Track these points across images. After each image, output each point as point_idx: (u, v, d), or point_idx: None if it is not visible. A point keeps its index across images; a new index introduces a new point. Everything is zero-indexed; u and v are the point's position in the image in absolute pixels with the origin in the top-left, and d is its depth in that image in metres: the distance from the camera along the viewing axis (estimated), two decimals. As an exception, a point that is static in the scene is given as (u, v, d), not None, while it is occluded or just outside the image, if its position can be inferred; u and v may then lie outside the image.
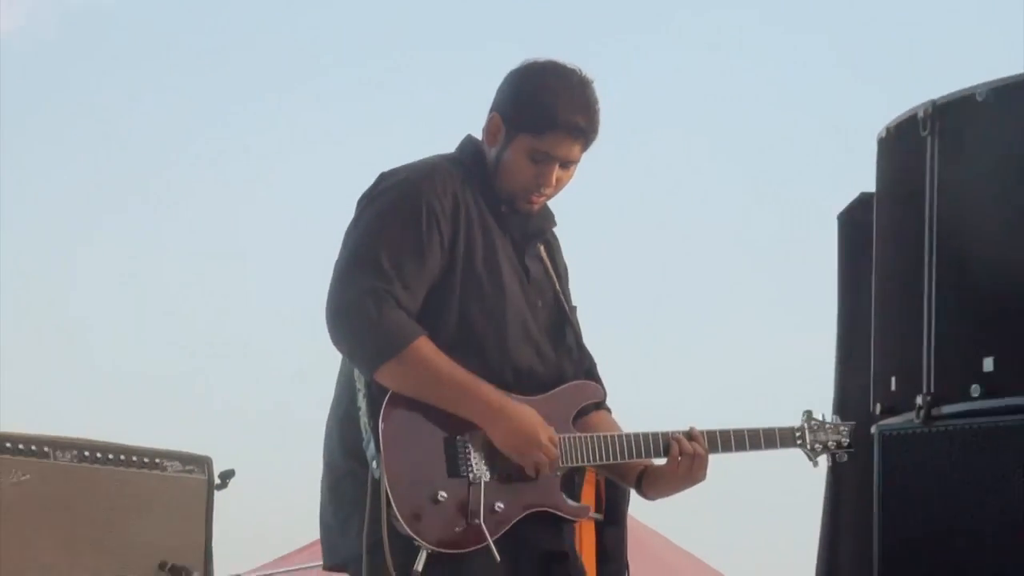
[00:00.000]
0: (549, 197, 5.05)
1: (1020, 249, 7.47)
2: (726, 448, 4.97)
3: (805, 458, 5.19)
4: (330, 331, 4.75)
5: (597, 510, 5.28)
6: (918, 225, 7.76)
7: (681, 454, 4.92)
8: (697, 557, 13.58)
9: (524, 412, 4.75)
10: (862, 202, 8.39)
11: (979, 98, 7.57)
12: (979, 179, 7.64)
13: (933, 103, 7.71)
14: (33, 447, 7.45)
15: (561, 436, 4.87)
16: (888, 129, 8.01)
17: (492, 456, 4.75)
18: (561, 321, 5.08)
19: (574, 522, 5.08)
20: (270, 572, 10.48)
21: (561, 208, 5.28)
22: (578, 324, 5.20)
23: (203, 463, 7.78)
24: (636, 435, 4.96)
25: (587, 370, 5.09)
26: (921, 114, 7.74)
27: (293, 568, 10.63)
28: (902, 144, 7.94)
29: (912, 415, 7.52)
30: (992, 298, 7.51)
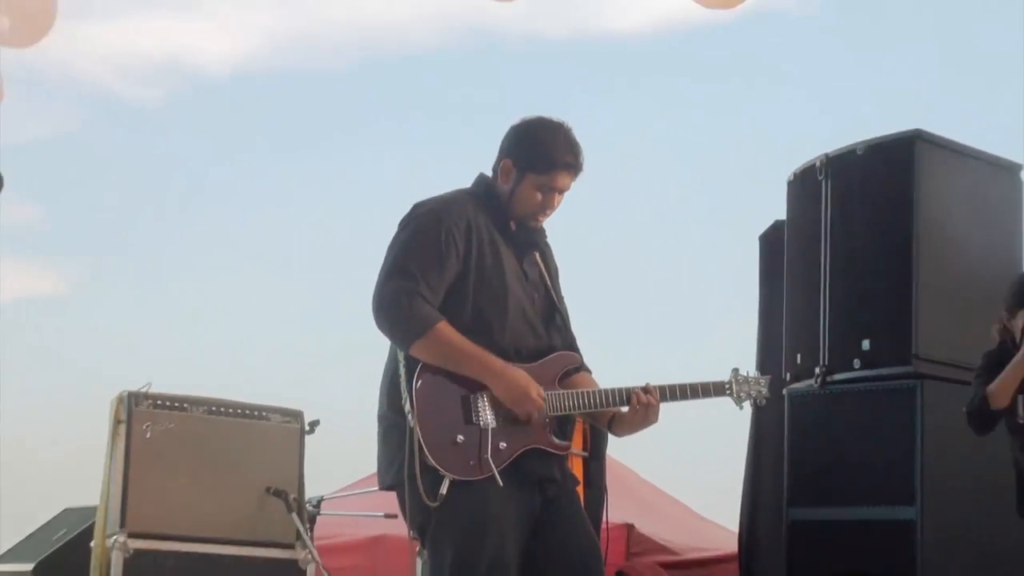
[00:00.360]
0: (548, 216, 5.21)
1: (884, 263, 7.88)
2: (673, 397, 5.12)
3: (734, 404, 5.24)
4: (375, 319, 4.97)
5: (584, 449, 5.32)
6: (816, 245, 8.24)
7: (639, 403, 5.06)
8: (658, 487, 13.30)
9: (519, 374, 4.95)
10: (776, 228, 8.85)
11: (859, 152, 8.08)
12: (857, 211, 8.05)
13: (827, 155, 8.23)
14: (176, 404, 7.53)
15: (548, 392, 5.01)
16: (796, 174, 8.54)
17: (496, 408, 4.93)
18: (551, 309, 5.26)
19: (564, 456, 5.18)
20: (343, 494, 10.36)
21: (553, 224, 5.41)
22: (566, 311, 5.35)
23: (297, 416, 7.84)
24: (606, 390, 5.14)
25: (569, 344, 5.23)
26: (818, 163, 8.27)
27: (358, 492, 10.50)
28: (805, 185, 8.45)
29: (812, 381, 8.03)
30: (868, 298, 7.94)
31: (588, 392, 5.25)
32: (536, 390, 5.06)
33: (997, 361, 6.29)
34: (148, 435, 7.44)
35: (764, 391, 5.42)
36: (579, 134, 5.33)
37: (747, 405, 5.48)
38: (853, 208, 7.98)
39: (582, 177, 5.43)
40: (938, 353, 7.33)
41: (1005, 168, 8.10)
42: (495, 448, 4.98)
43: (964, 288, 7.22)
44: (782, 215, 8.67)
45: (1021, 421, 6.26)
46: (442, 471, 4.88)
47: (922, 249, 7.58)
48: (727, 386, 5.31)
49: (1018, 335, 6.26)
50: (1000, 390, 6.21)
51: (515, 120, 5.45)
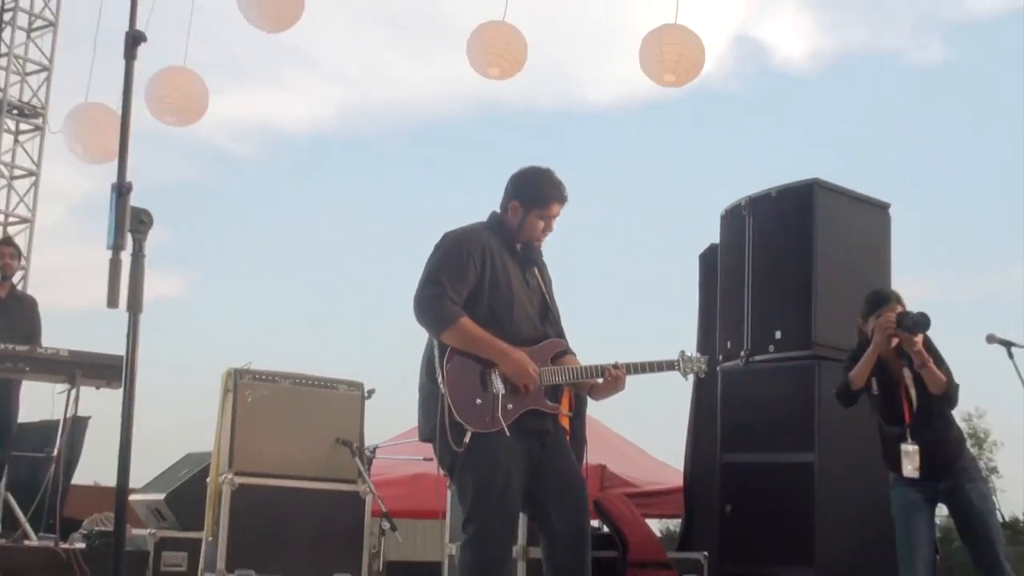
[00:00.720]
0: (547, 236, 5.40)
1: (791, 276, 7.91)
2: (636, 372, 5.27)
3: (681, 377, 5.37)
4: (415, 316, 5.17)
5: (569, 410, 5.39)
6: (741, 262, 8.28)
7: (610, 376, 5.21)
8: (624, 438, 13.38)
9: (521, 355, 5.11)
10: (712, 249, 9.01)
11: (772, 194, 8.17)
12: (771, 238, 8.10)
13: (749, 197, 8.27)
14: (269, 377, 7.57)
15: (542, 368, 5.14)
16: (727, 210, 8.57)
17: (504, 380, 5.04)
18: (546, 309, 5.40)
19: (555, 414, 5.28)
20: (392, 443, 10.45)
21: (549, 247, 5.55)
22: (556, 310, 5.48)
23: (359, 386, 7.87)
24: (586, 366, 5.27)
25: (559, 333, 5.35)
26: (743, 203, 8.33)
27: (403, 441, 10.57)
28: (733, 218, 8.48)
29: (739, 361, 8.10)
30: (779, 301, 7.97)
31: (572, 368, 5.40)
32: (533, 367, 5.22)
33: (855, 355, 6.37)
34: (249, 400, 7.48)
35: (704, 366, 5.55)
36: (566, 179, 5.53)
37: (691, 377, 5.63)
38: (768, 235, 8.02)
39: (570, 210, 5.63)
40: (830, 341, 7.37)
41: (878, 206, 8.19)
42: (504, 409, 5.14)
43: (848, 295, 7.12)
44: (716, 240, 8.70)
45: (875, 393, 6.35)
46: (465, 425, 5.05)
47: (818, 266, 7.63)
48: (676, 363, 5.45)
49: (869, 335, 6.34)
50: (858, 375, 6.27)
51: (514, 170, 5.64)
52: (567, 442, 5.48)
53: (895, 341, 6.21)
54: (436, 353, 5.20)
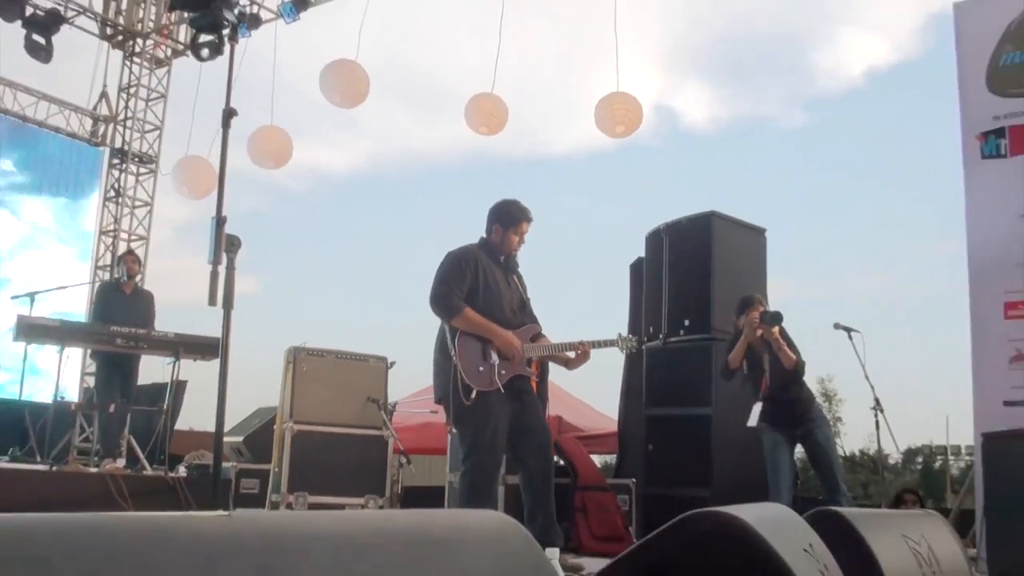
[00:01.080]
0: (520, 248, 5.53)
1: (696, 281, 7.95)
2: (593, 347, 5.38)
3: (619, 352, 5.51)
4: (431, 307, 5.24)
5: (536, 375, 5.55)
6: (660, 271, 8.30)
7: (581, 351, 5.36)
8: (575, 396, 13.43)
9: (510, 335, 5.21)
10: (639, 260, 8.97)
11: (683, 222, 8.23)
12: (682, 254, 8.14)
13: (666, 223, 8.31)
14: (319, 353, 7.71)
15: (524, 345, 5.30)
16: (650, 232, 8.56)
17: (499, 352, 5.18)
18: (523, 304, 5.48)
19: (532, 378, 5.44)
20: (408, 400, 10.52)
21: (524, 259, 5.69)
22: (530, 305, 5.59)
23: (384, 359, 7.95)
24: (557, 343, 5.40)
25: (534, 321, 5.47)
26: (662, 227, 8.36)
27: (415, 399, 10.67)
28: (655, 239, 8.48)
29: (659, 342, 8.08)
30: (688, 299, 8.00)
31: (547, 344, 5.47)
32: (518, 343, 5.35)
33: (732, 343, 6.62)
34: (305, 369, 7.66)
35: (634, 344, 5.67)
36: (534, 211, 5.64)
37: (625, 352, 5.79)
38: (679, 251, 8.07)
39: (538, 231, 5.78)
40: (723, 327, 7.42)
41: (757, 230, 8.25)
42: (500, 374, 5.25)
43: (735, 294, 7.09)
44: (643, 254, 8.69)
45: (745, 372, 6.58)
46: (472, 386, 5.20)
47: (715, 274, 7.73)
48: (616, 341, 5.60)
49: (742, 328, 6.56)
50: (734, 358, 6.55)
51: (492, 203, 5.77)
52: (538, 402, 5.56)
53: (759, 332, 6.46)
54: (448, 336, 5.23)
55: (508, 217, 5.52)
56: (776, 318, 6.40)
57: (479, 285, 5.36)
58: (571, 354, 5.48)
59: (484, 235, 5.58)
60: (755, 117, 72.80)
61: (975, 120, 6.10)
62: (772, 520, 1.86)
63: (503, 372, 5.24)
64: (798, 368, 6.46)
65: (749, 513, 1.73)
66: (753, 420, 6.40)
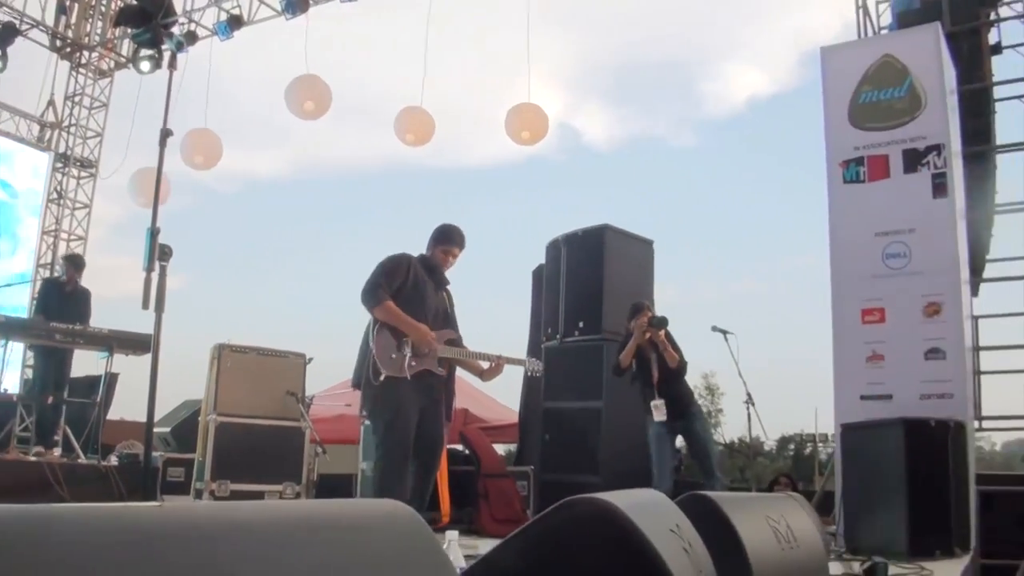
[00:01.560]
0: (452, 265, 5.52)
1: (590, 287, 8.09)
2: (505, 363, 5.39)
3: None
4: (361, 297, 5.19)
5: (447, 374, 5.55)
6: (558, 277, 8.41)
7: (496, 365, 5.37)
8: (482, 391, 13.42)
9: (424, 329, 5.18)
10: (540, 267, 9.07)
11: (579, 233, 8.35)
12: (577, 263, 8.24)
13: (564, 234, 8.42)
14: (242, 349, 7.57)
15: (439, 345, 5.30)
16: (550, 242, 8.67)
17: (413, 346, 5.17)
18: (447, 315, 5.46)
19: (443, 380, 5.41)
20: (323, 394, 10.48)
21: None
22: (455, 316, 5.56)
23: (302, 356, 7.84)
24: (476, 352, 5.39)
25: (454, 330, 5.46)
26: (560, 238, 8.49)
27: (335, 392, 10.63)
28: (554, 248, 8.60)
29: (556, 342, 8.23)
30: (582, 304, 8.12)
31: (461, 351, 5.37)
32: (433, 337, 5.33)
33: (623, 344, 6.79)
34: (228, 365, 7.54)
35: (538, 368, 5.74)
36: (454, 217, 5.72)
37: (531, 372, 5.83)
38: (575, 260, 8.19)
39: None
40: (613, 329, 7.56)
41: (645, 242, 8.42)
42: (410, 364, 5.18)
43: (625, 299, 7.30)
44: (543, 261, 8.78)
45: (634, 370, 6.76)
46: (382, 369, 5.12)
47: (606, 280, 7.88)
48: (524, 362, 5.65)
49: (631, 331, 6.74)
50: (624, 358, 6.73)
51: (435, 223, 5.72)
52: (443, 411, 5.44)
53: (647, 335, 6.64)
54: (371, 324, 5.23)
55: (442, 237, 5.54)
56: (662, 322, 6.59)
57: (408, 287, 5.33)
58: (485, 365, 5.48)
59: (424, 252, 5.59)
60: (648, 137, 74.31)
61: (838, 149, 6.31)
62: (643, 504, 1.94)
63: (413, 364, 5.19)
64: (680, 367, 6.66)
65: (622, 498, 1.82)
66: (661, 415, 6.57)
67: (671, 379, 6.68)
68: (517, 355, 5.73)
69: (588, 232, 8.23)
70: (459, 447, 8.37)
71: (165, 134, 4.52)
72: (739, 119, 70.96)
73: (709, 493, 2.80)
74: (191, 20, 12.13)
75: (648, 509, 1.88)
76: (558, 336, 8.17)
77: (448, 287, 5.65)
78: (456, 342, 5.49)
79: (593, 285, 8.00)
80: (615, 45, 71.06)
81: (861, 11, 9.55)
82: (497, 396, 13.67)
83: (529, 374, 5.79)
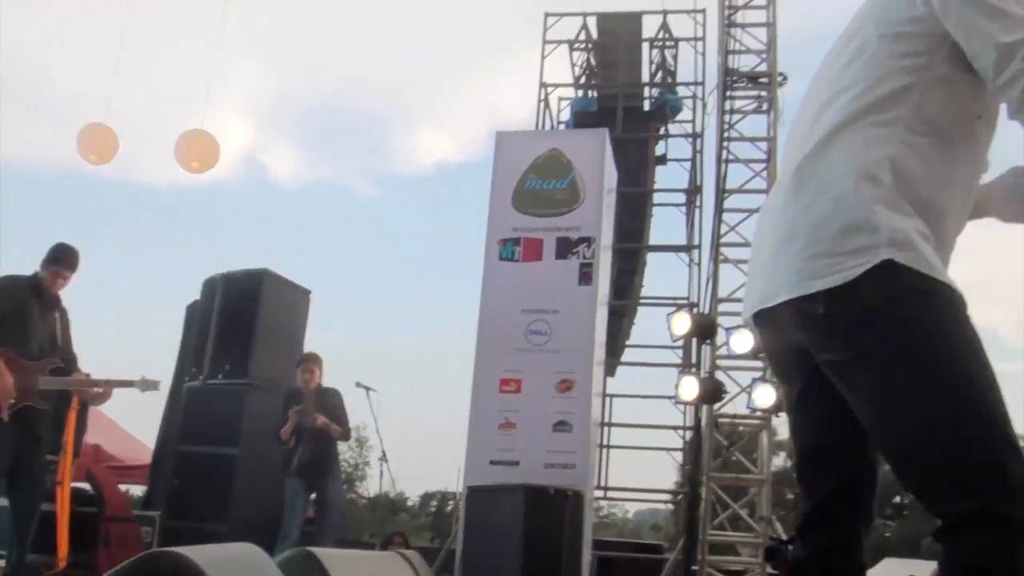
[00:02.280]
0: (62, 287, 5.10)
1: (239, 332, 7.86)
2: (116, 386, 5.04)
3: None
4: None
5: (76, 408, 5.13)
6: (209, 316, 8.09)
7: (101, 388, 5.02)
8: (120, 426, 12.71)
9: (5, 380, 4.72)
10: (195, 303, 8.42)
11: (239, 275, 8.15)
12: (233, 304, 7.99)
13: (222, 274, 8.18)
14: None
15: (41, 378, 4.85)
16: (206, 280, 8.35)
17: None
18: (54, 340, 4.99)
19: (42, 411, 4.96)
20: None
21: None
22: (68, 339, 5.16)
23: None
24: (79, 380, 5.00)
25: (64, 356, 5.01)
26: (218, 276, 8.27)
27: None
28: (210, 286, 8.27)
29: (199, 383, 7.93)
30: (231, 348, 7.84)
31: (65, 380, 5.05)
32: (9, 383, 4.76)
33: (288, 401, 6.74)
34: None
35: (156, 386, 5.38)
36: (121, 233, 5.32)
37: (150, 394, 5.49)
38: (230, 301, 7.96)
39: (116, 252, 5.44)
40: (261, 374, 7.56)
41: (302, 290, 8.42)
42: (9, 405, 4.83)
43: (275, 346, 7.43)
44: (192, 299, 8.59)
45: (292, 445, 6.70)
46: None
47: (259, 325, 7.76)
48: (135, 383, 5.29)
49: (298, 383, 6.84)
50: (284, 434, 6.63)
51: (84, 218, 5.38)
52: (45, 447, 5.15)
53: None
54: None
55: (53, 260, 5.20)
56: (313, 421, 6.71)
57: (11, 317, 4.97)
58: (96, 390, 5.20)
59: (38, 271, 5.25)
60: (337, 183, 75.74)
61: (498, 226, 6.63)
62: (233, 560, 1.92)
63: (12, 402, 4.82)
64: (343, 437, 6.87)
65: (209, 553, 1.78)
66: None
67: (320, 443, 6.74)
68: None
69: (247, 274, 8.11)
70: (85, 486, 7.85)
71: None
72: (425, 180, 74.45)
73: (315, 550, 2.83)
74: None
75: (235, 566, 1.85)
76: (202, 377, 7.89)
77: (61, 306, 5.29)
78: (64, 370, 5.17)
79: (245, 329, 7.85)
80: (308, 89, 71.92)
81: (543, 103, 10.62)
82: (139, 434, 12.95)
83: (142, 392, 5.33)
